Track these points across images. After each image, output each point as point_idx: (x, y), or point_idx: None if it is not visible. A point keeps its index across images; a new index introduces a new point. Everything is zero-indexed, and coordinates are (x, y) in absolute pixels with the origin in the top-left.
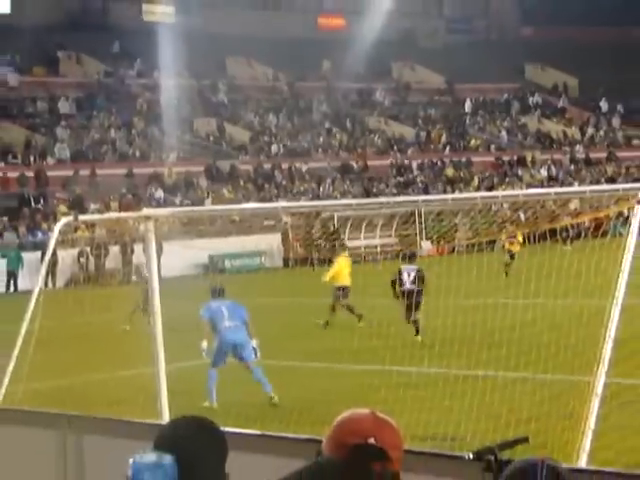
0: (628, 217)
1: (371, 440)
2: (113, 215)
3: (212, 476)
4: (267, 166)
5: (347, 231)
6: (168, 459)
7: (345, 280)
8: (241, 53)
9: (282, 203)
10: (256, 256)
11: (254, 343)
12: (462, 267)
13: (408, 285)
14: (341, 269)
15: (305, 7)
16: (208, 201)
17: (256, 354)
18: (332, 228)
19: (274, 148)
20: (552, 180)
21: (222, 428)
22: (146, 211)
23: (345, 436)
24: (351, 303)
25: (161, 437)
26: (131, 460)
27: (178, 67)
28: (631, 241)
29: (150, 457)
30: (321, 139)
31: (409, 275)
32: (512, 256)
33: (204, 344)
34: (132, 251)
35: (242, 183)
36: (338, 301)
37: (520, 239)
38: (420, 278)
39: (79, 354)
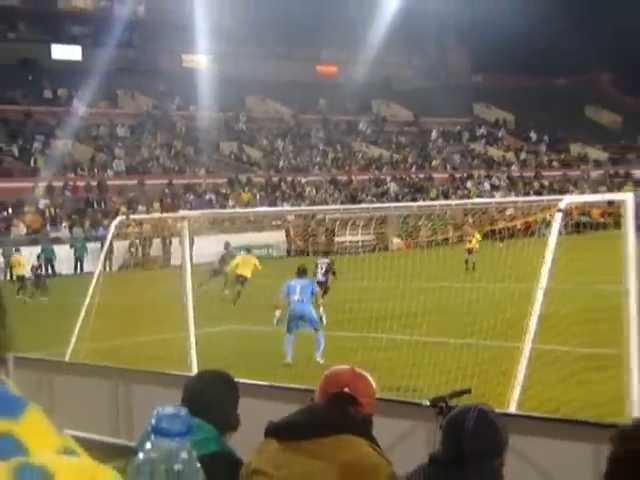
0: (550, 222)
1: (346, 389)
2: (156, 215)
3: (226, 416)
4: (275, 179)
5: (336, 229)
6: (184, 411)
7: (245, 272)
8: (257, 92)
9: (286, 207)
10: (265, 248)
11: (321, 311)
12: (424, 258)
13: (320, 276)
14: (243, 263)
15: (307, 57)
16: (230, 205)
17: (321, 320)
18: (325, 228)
19: (281, 165)
20: (493, 192)
21: (236, 379)
22: (182, 213)
23: (327, 386)
24: (242, 290)
25: (188, 385)
26: (155, 411)
27: (209, 102)
28: (552, 240)
29: (169, 409)
30: (317, 158)
31: (322, 268)
32: (470, 251)
33: (277, 313)
34: (170, 243)
35: (256, 191)
36: (237, 285)
37: (478, 237)
38: (329, 270)
39: (129, 322)
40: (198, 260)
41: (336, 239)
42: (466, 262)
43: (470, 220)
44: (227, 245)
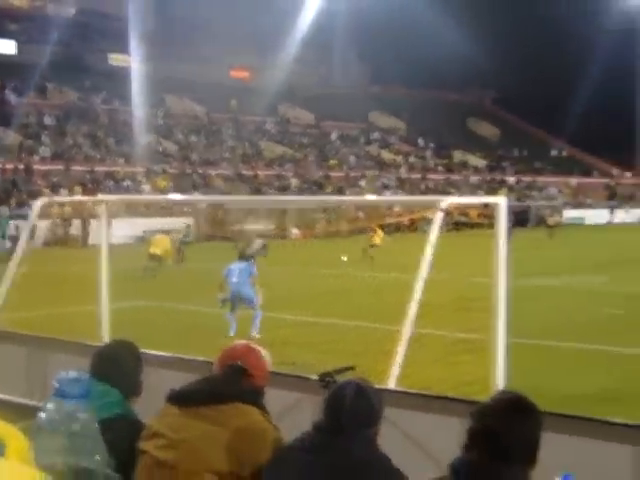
0: (432, 219)
1: (239, 362)
2: (77, 198)
3: (130, 382)
4: (188, 170)
5: (242, 218)
6: (85, 376)
7: (158, 250)
8: (176, 92)
9: (197, 196)
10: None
11: (258, 289)
12: (320, 247)
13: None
14: (155, 243)
15: (221, 60)
16: (146, 191)
17: (255, 307)
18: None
19: (194, 158)
20: (384, 191)
21: (142, 350)
22: (101, 196)
23: (223, 359)
24: (155, 267)
25: (97, 353)
26: (58, 376)
27: (131, 98)
28: (433, 236)
29: (72, 373)
30: (227, 154)
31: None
32: (372, 246)
33: (219, 295)
34: (89, 224)
35: (170, 181)
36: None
37: (381, 234)
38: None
39: (48, 294)
40: (114, 241)
41: (243, 227)
42: (371, 257)
43: (361, 215)
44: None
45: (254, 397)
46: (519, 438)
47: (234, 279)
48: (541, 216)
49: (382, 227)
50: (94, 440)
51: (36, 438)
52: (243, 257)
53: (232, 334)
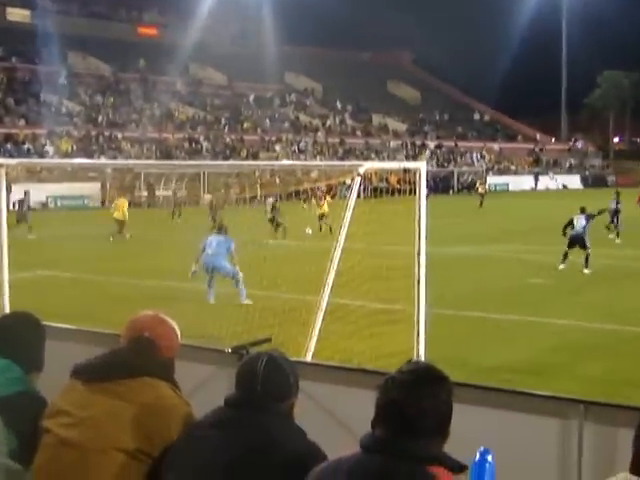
0: (350, 185)
1: (145, 334)
2: None
3: (32, 356)
4: (93, 133)
5: (154, 183)
6: None
7: (118, 216)
8: (79, 49)
9: (103, 160)
10: (80, 198)
11: (237, 269)
12: (232, 214)
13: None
14: (116, 207)
15: (129, 18)
16: (49, 155)
17: (235, 276)
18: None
19: (99, 120)
20: (300, 155)
21: (44, 322)
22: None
23: (129, 331)
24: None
25: None
26: None
27: (31, 55)
28: (351, 202)
29: None
30: (135, 116)
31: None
32: (321, 217)
33: (194, 267)
34: None
35: (74, 144)
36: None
37: (329, 200)
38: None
39: None
40: (15, 207)
41: (153, 192)
42: (320, 228)
43: (277, 181)
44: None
45: (163, 371)
46: (426, 410)
47: (209, 251)
48: (464, 182)
49: (330, 192)
50: None
51: None
52: (221, 230)
53: (212, 300)
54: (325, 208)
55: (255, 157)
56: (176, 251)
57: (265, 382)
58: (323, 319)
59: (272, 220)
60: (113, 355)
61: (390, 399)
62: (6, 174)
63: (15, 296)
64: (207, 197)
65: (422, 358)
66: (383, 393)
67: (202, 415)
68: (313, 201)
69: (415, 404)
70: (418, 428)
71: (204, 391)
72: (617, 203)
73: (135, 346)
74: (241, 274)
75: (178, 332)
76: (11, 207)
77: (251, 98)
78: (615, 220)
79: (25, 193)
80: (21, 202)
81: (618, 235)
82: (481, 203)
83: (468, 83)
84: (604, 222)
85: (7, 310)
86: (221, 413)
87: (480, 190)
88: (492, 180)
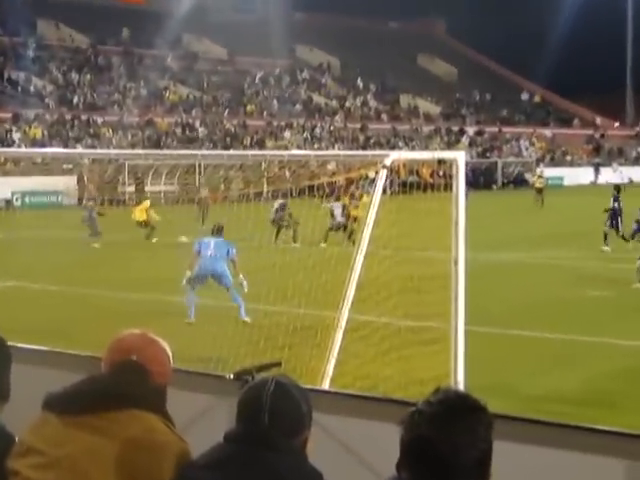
0: (375, 179)
1: (133, 357)
2: None
3: None
4: (68, 117)
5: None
6: None
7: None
8: (50, 16)
9: (80, 149)
10: (54, 194)
11: (241, 278)
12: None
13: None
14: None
15: None
16: (16, 142)
17: (242, 286)
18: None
19: (75, 101)
20: (314, 144)
21: (9, 342)
22: None
23: (113, 353)
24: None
25: None
26: None
27: None
28: (375, 200)
29: None
30: (117, 96)
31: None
32: (354, 219)
33: (188, 273)
34: None
35: (45, 129)
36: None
37: (365, 200)
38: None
39: None
40: None
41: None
42: (350, 235)
43: (287, 174)
44: None
45: (153, 401)
46: (461, 447)
47: (208, 252)
48: (509, 175)
49: (310, 188)
50: None
51: None
52: (219, 231)
53: (192, 319)
54: (359, 211)
55: (261, 146)
56: (164, 258)
57: (273, 414)
58: (342, 339)
59: (275, 222)
60: (93, 382)
61: (417, 436)
62: None
63: None
64: (204, 193)
65: (460, 385)
66: (409, 429)
67: (198, 453)
68: (342, 201)
69: (448, 441)
70: (452, 470)
71: (201, 424)
72: None
73: (120, 372)
74: (245, 282)
75: (170, 355)
76: None
77: (256, 76)
78: None
79: None
80: None
81: None
82: (542, 201)
83: (514, 57)
84: None
85: None
86: (221, 451)
87: (537, 184)
88: (543, 172)
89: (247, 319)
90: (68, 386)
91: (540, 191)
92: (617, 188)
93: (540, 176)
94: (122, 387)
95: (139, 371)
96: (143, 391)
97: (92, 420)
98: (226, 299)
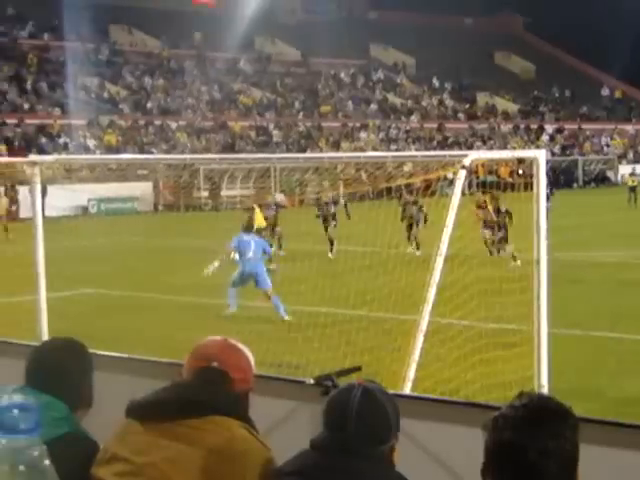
0: (453, 180)
1: (215, 364)
2: (2, 160)
3: (76, 390)
4: (142, 122)
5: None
6: (32, 402)
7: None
8: (123, 21)
9: (155, 155)
10: (129, 201)
11: (273, 266)
12: (310, 217)
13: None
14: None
15: None
16: (90, 149)
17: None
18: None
19: (149, 106)
20: (390, 145)
21: (91, 349)
22: (33, 157)
23: (195, 360)
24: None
25: (32, 356)
26: None
27: (66, 30)
28: (455, 201)
29: (17, 398)
30: (190, 100)
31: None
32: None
33: (216, 263)
34: (17, 192)
35: (120, 136)
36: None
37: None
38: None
39: None
40: (51, 213)
41: (214, 193)
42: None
43: (363, 176)
44: None
45: (236, 407)
46: (548, 452)
47: (249, 254)
48: (590, 173)
49: (388, 190)
50: None
51: None
52: (250, 229)
53: (233, 309)
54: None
55: (336, 148)
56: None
57: (359, 421)
58: (423, 342)
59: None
60: (176, 389)
61: (502, 441)
62: (40, 173)
63: (54, 319)
64: (279, 197)
65: (545, 389)
66: (493, 434)
67: (280, 459)
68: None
69: (534, 446)
70: (539, 475)
71: (281, 430)
72: None
73: (202, 379)
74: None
75: (252, 361)
76: (47, 213)
77: (330, 76)
78: None
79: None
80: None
81: None
82: (635, 199)
83: (594, 51)
84: None
85: (45, 336)
86: (306, 458)
87: (630, 183)
88: (625, 170)
89: (287, 317)
90: (151, 393)
91: (633, 189)
92: None
93: (633, 174)
94: (205, 394)
95: (221, 378)
96: (225, 398)
97: (175, 427)
98: (307, 304)
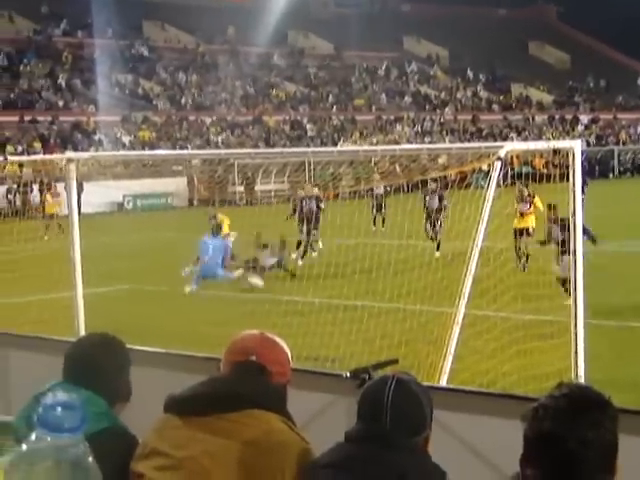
0: (488, 172)
1: (253, 357)
2: (38, 157)
3: (113, 385)
4: (176, 118)
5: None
6: (77, 400)
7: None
8: (156, 17)
9: (190, 150)
10: (164, 196)
11: (233, 274)
12: (345, 210)
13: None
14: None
15: None
16: (125, 145)
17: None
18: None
19: (183, 101)
20: (424, 137)
21: (128, 345)
22: (68, 154)
23: (233, 354)
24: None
25: (70, 352)
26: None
27: (100, 27)
28: (490, 193)
29: (60, 396)
30: (224, 95)
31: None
32: (528, 233)
33: (189, 268)
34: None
35: (154, 132)
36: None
37: (539, 205)
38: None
39: (6, 279)
40: (87, 209)
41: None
42: (522, 257)
43: (398, 169)
44: None
45: (274, 400)
46: (588, 442)
47: (205, 257)
48: (626, 163)
49: (422, 182)
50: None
51: (13, 478)
52: (217, 233)
53: (192, 290)
54: (530, 221)
55: (370, 142)
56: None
57: (395, 413)
58: (460, 335)
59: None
60: (214, 383)
61: (542, 431)
62: (76, 170)
63: (91, 315)
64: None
65: (582, 380)
66: (533, 424)
67: (316, 452)
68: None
69: (574, 436)
70: (579, 465)
71: (318, 423)
72: None
73: (240, 373)
74: (238, 272)
75: (289, 354)
76: (83, 210)
77: (363, 69)
78: None
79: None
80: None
81: None
82: None
83: (629, 40)
84: None
85: (82, 332)
86: (342, 450)
87: None
88: None
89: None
90: (189, 388)
91: None
92: None
93: None
94: (243, 388)
95: (259, 371)
96: (264, 391)
97: (214, 421)
98: (344, 297)
